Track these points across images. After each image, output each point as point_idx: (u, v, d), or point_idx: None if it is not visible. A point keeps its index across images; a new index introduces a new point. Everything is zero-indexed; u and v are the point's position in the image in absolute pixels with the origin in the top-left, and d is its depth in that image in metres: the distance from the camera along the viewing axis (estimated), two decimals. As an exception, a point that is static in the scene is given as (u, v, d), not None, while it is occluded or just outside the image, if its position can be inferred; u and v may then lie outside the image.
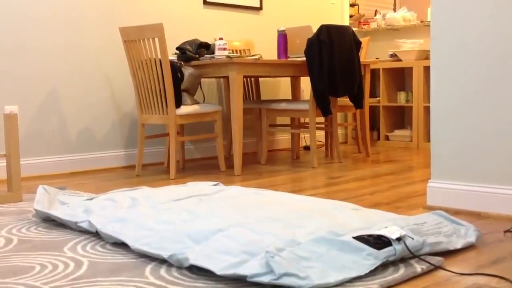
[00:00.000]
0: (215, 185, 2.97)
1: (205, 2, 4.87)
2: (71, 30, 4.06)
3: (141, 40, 3.73)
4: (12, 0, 3.77)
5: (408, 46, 5.58)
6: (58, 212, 2.41)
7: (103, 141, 4.26)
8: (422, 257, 1.77)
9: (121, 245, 2.05)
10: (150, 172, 4.07)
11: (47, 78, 3.96)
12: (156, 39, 3.65)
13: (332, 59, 4.05)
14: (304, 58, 4.11)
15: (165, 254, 1.80)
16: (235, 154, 3.87)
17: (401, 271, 1.67)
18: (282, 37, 4.32)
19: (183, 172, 4.00)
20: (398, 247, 1.73)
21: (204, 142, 4.87)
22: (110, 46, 4.27)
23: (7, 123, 2.98)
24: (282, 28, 4.34)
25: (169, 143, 3.81)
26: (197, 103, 3.96)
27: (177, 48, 4.17)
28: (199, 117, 3.90)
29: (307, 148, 5.44)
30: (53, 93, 3.99)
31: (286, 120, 5.39)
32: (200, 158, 4.81)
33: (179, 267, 1.77)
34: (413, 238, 1.80)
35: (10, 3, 3.76)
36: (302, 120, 5.12)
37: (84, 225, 2.23)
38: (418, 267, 1.70)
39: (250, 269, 1.57)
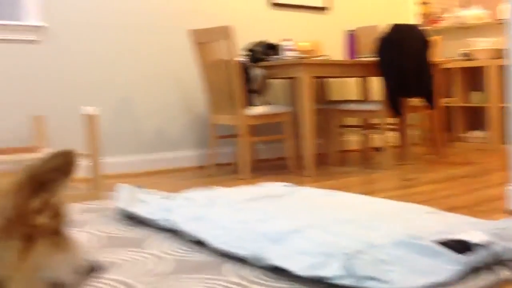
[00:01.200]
0: (287, 186, 2.99)
1: (272, 4, 4.90)
2: (143, 34, 4.19)
3: (210, 42, 3.80)
4: (88, 8, 3.93)
5: (480, 44, 5.41)
6: (138, 210, 2.50)
7: (175, 141, 4.37)
8: (505, 263, 1.72)
9: (200, 243, 2.10)
10: (222, 172, 4.14)
11: (123, 81, 4.11)
12: (226, 41, 3.71)
13: (402, 58, 3.99)
14: (372, 58, 4.07)
15: (243, 252, 1.84)
16: (306, 155, 3.88)
17: (484, 278, 1.63)
18: (350, 37, 4.30)
19: (254, 173, 4.05)
20: (480, 252, 1.69)
21: (273, 143, 4.90)
22: (181, 48, 4.37)
23: (89, 123, 3.12)
24: (350, 28, 4.32)
25: (240, 144, 3.87)
26: (266, 104, 4.00)
27: (245, 50, 4.23)
28: (268, 118, 3.94)
29: (377, 149, 5.37)
30: (128, 95, 4.13)
31: (355, 121, 5.35)
32: (270, 159, 4.85)
33: (258, 266, 1.80)
34: (496, 243, 1.76)
35: (87, 12, 3.93)
36: (371, 121, 5.07)
37: (164, 223, 2.31)
38: (501, 274, 1.66)
39: (330, 270, 1.58)
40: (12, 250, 0.79)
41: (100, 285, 1.67)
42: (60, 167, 0.81)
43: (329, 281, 1.57)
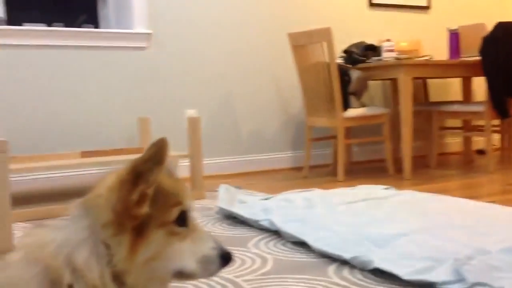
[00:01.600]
0: (387, 188, 2.94)
1: (371, 4, 4.84)
2: (243, 36, 4.28)
3: (309, 45, 3.81)
4: (189, 14, 4.07)
5: None
6: (240, 210, 2.56)
7: (271, 143, 4.43)
8: None
9: (301, 244, 2.12)
10: (317, 173, 4.14)
11: (222, 83, 4.21)
12: (324, 43, 3.71)
13: (509, 58, 3.80)
14: (477, 58, 3.91)
15: (347, 255, 1.84)
16: (405, 157, 3.80)
17: None
18: (454, 36, 4.16)
19: (350, 175, 4.02)
20: None
21: (369, 145, 4.84)
22: (278, 50, 4.42)
23: (190, 125, 3.23)
24: (453, 27, 4.17)
25: (336, 146, 3.85)
26: (364, 106, 3.96)
27: (344, 51, 4.20)
28: (366, 119, 3.89)
29: (480, 152, 5.15)
30: (226, 98, 4.24)
31: (455, 123, 5.16)
32: (366, 161, 4.79)
33: (362, 269, 1.79)
34: None
35: (188, 18, 4.07)
36: (473, 122, 4.86)
37: (265, 223, 2.34)
38: None
39: (438, 276, 1.55)
40: (124, 244, 0.83)
41: (209, 282, 1.73)
42: (153, 157, 0.84)
43: (437, 287, 1.53)
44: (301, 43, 3.88)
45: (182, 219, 0.90)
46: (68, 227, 0.87)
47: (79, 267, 0.82)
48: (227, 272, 1.82)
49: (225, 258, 0.90)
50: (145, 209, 0.85)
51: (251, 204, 2.65)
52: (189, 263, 0.87)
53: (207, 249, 0.90)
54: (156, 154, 0.84)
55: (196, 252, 0.88)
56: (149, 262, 0.85)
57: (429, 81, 5.04)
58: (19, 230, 2.45)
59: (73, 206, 0.90)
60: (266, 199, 2.76)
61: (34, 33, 3.51)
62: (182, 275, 0.89)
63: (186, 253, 0.87)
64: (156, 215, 0.87)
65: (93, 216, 0.86)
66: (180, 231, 0.88)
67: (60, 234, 0.87)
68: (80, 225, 0.86)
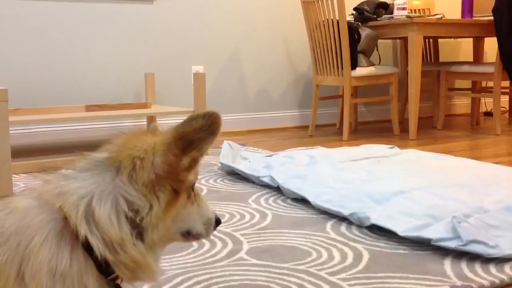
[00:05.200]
0: (391, 148, 2.92)
1: (383, -40, 4.71)
2: (252, -7, 4.20)
3: (319, 1, 3.74)
4: (200, -35, 3.99)
5: None
6: (242, 166, 2.56)
7: (278, 101, 4.40)
8: None
9: (301, 201, 2.13)
10: (323, 132, 4.13)
11: (229, 40, 4.16)
12: (335, 0, 3.64)
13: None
14: (490, 18, 3.83)
15: (345, 212, 1.84)
16: (411, 117, 3.76)
17: None
18: (467, -5, 4.06)
19: (356, 134, 4.00)
20: None
21: (376, 105, 4.80)
22: (288, 7, 4.34)
23: (195, 81, 3.21)
24: (467, -15, 4.07)
25: (343, 105, 3.82)
26: (372, 64, 3.91)
27: (354, 9, 4.12)
28: (374, 79, 3.85)
29: (487, 114, 5.10)
30: (234, 54, 4.19)
31: (464, 84, 5.09)
32: (372, 121, 4.76)
33: (359, 226, 1.80)
34: None
35: (198, -31, 3.99)
36: (484, 84, 4.80)
37: (266, 180, 2.35)
38: None
39: (435, 233, 1.55)
40: (160, 201, 0.86)
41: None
42: (207, 127, 0.87)
43: (433, 243, 1.53)
44: (311, 0, 3.80)
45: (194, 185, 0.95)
46: (89, 179, 0.87)
47: (99, 219, 0.83)
48: (225, 226, 1.84)
49: (218, 221, 0.98)
50: (192, 175, 0.90)
51: (253, 160, 2.65)
52: (198, 225, 0.94)
53: (210, 212, 0.97)
54: (211, 125, 0.88)
55: (202, 215, 0.95)
56: (173, 221, 0.90)
57: (440, 41, 4.95)
58: (20, 182, 2.47)
59: (89, 160, 0.89)
60: (269, 156, 2.76)
61: (39, -16, 3.47)
62: (188, 235, 0.94)
63: (196, 215, 0.94)
64: (191, 180, 0.92)
65: (119, 173, 0.86)
66: (192, 195, 0.93)
67: (82, 185, 0.86)
68: (102, 179, 0.86)
